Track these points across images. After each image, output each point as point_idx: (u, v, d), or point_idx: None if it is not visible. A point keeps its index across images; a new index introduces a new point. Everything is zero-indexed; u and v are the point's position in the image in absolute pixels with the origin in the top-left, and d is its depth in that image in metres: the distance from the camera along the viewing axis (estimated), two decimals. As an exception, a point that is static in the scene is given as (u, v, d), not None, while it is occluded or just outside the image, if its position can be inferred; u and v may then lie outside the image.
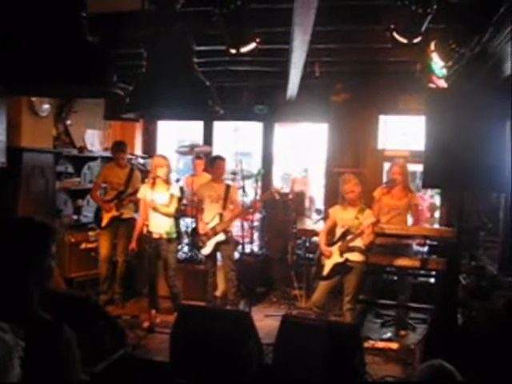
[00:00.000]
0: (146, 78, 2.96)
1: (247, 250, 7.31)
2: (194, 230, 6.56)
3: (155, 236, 5.84)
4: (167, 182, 5.93)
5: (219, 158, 6.38)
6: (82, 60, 2.24)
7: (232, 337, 4.21)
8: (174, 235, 6.04)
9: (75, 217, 7.48)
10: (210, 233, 6.08)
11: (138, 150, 8.94)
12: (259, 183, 7.69)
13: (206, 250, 6.15)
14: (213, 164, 6.36)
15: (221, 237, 6.07)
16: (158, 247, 5.89)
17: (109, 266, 6.55)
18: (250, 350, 4.21)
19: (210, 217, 6.14)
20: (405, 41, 4.18)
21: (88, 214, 7.43)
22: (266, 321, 6.09)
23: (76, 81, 2.26)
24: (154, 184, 5.88)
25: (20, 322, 1.49)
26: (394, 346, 5.44)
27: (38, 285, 1.92)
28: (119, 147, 6.69)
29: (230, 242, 6.20)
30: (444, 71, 5.32)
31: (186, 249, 7.58)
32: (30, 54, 2.18)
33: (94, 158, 7.91)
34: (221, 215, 6.10)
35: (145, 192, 5.94)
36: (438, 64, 5.03)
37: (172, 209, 5.92)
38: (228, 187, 6.23)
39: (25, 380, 1.25)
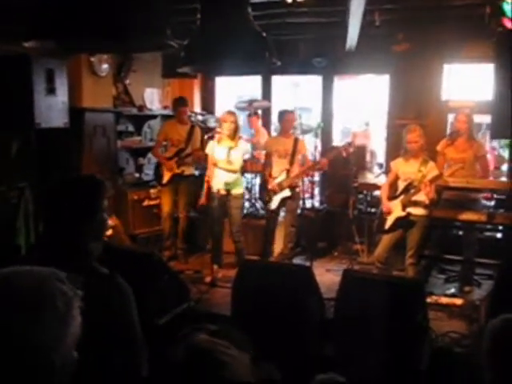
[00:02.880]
0: (201, 31, 2.91)
1: (308, 205, 7.26)
2: (262, 185, 6.55)
3: (221, 192, 5.86)
4: (233, 137, 5.84)
5: (287, 112, 6.28)
6: (138, 13, 2.21)
7: (293, 291, 4.22)
8: (240, 191, 6.02)
9: (137, 175, 7.61)
10: (277, 188, 6.05)
11: (197, 107, 8.95)
12: (319, 138, 7.58)
13: (272, 205, 6.13)
14: (280, 117, 6.26)
15: (287, 192, 6.03)
16: (223, 203, 5.92)
17: (171, 222, 6.65)
18: (312, 305, 4.22)
19: (277, 172, 6.09)
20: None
21: (149, 172, 7.56)
22: (328, 275, 6.08)
23: (132, 34, 2.24)
24: (220, 140, 5.88)
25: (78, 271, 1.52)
26: (458, 301, 5.32)
27: (93, 236, 1.98)
28: (181, 102, 6.68)
29: (295, 198, 6.15)
30: (517, 12, 5.00)
31: (246, 204, 7.62)
32: (85, 10, 2.17)
33: (153, 117, 7.99)
34: (288, 171, 6.04)
35: (211, 148, 5.95)
36: (510, 4, 4.73)
37: (236, 165, 5.87)
38: (296, 141, 6.14)
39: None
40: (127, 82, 7.51)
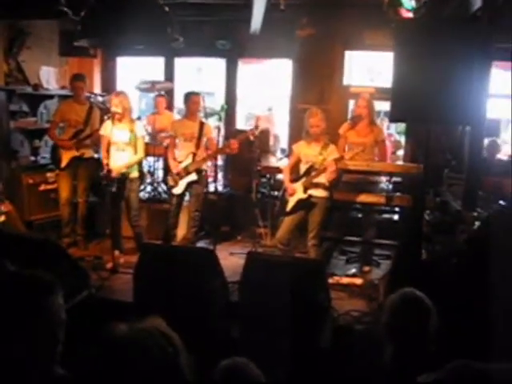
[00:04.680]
0: (99, 1, 2.75)
1: (211, 188, 7.21)
2: (167, 168, 6.40)
3: (117, 175, 5.67)
4: (121, 119, 5.65)
5: (193, 93, 6.12)
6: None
7: (197, 275, 4.17)
8: (136, 174, 5.86)
9: (32, 158, 7.23)
10: (183, 172, 5.93)
11: (97, 88, 8.62)
12: (222, 121, 7.53)
13: (178, 189, 6.00)
14: (186, 100, 6.10)
15: (193, 177, 5.92)
16: (120, 187, 5.73)
17: (70, 208, 6.34)
18: (215, 288, 4.19)
19: (183, 156, 5.97)
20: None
21: (46, 155, 7.20)
22: (231, 259, 6.07)
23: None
24: (115, 122, 5.67)
25: None
26: (359, 281, 5.50)
27: None
28: (77, 77, 6.36)
29: (201, 182, 6.06)
30: (413, 3, 5.19)
31: (148, 188, 7.46)
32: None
33: (50, 97, 7.60)
34: (194, 155, 5.93)
35: (107, 129, 5.74)
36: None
37: (141, 153, 5.75)
38: (202, 125, 6.03)
39: None
40: (20, 58, 7.07)
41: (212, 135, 6.24)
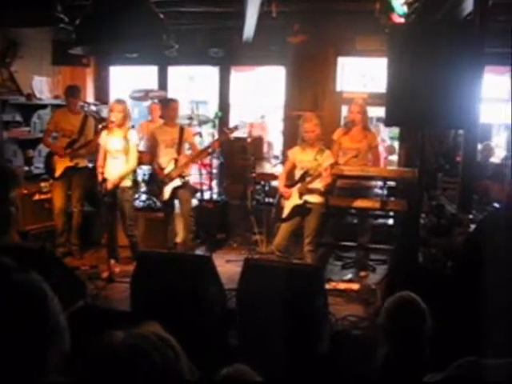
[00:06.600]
0: (96, 8, 2.74)
1: (206, 196, 7.20)
2: (151, 176, 6.38)
3: (111, 186, 5.67)
4: (122, 127, 5.70)
5: (172, 100, 6.19)
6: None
7: (193, 282, 4.14)
8: (129, 183, 5.86)
9: (26, 168, 7.19)
10: (166, 179, 5.92)
11: (90, 97, 8.61)
12: (216, 128, 7.54)
13: (164, 196, 6.00)
14: (166, 107, 6.14)
15: (177, 182, 5.92)
16: (113, 195, 5.73)
17: (64, 218, 6.33)
18: (213, 295, 4.16)
19: (165, 162, 5.97)
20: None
21: (39, 165, 7.16)
22: (228, 266, 6.05)
23: (21, 6, 2.07)
24: (111, 130, 5.68)
25: None
26: (355, 286, 5.50)
27: None
28: (72, 92, 6.36)
29: (186, 187, 6.06)
30: (404, 8, 5.22)
31: (143, 197, 7.43)
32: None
33: (43, 106, 7.57)
34: (175, 160, 5.93)
35: (104, 137, 5.75)
36: (398, 0, 4.92)
37: (132, 162, 5.77)
38: (182, 130, 6.04)
39: None
40: (13, 68, 7.05)
41: (193, 140, 6.25)
